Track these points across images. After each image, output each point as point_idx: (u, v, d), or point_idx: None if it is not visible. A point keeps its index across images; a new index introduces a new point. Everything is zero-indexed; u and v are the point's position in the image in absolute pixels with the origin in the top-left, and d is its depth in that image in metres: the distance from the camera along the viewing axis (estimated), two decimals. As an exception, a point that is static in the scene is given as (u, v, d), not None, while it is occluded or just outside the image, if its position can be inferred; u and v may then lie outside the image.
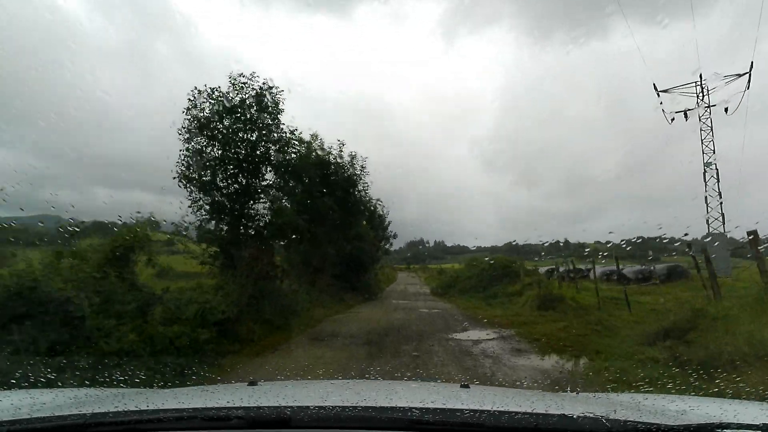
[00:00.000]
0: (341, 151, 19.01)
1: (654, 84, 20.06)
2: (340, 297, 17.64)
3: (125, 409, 1.59)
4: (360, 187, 19.93)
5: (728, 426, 1.46)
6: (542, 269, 21.46)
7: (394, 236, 33.13)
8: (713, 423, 1.49)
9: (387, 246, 34.44)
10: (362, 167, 19.43)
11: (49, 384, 3.72)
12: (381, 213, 32.27)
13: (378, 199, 29.85)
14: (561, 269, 19.91)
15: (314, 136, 18.08)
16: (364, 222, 25.61)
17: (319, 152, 17.97)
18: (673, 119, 19.85)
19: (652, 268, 20.72)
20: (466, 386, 2.15)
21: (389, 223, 34.23)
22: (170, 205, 10.77)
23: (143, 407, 1.64)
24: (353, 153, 19.17)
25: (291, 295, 12.15)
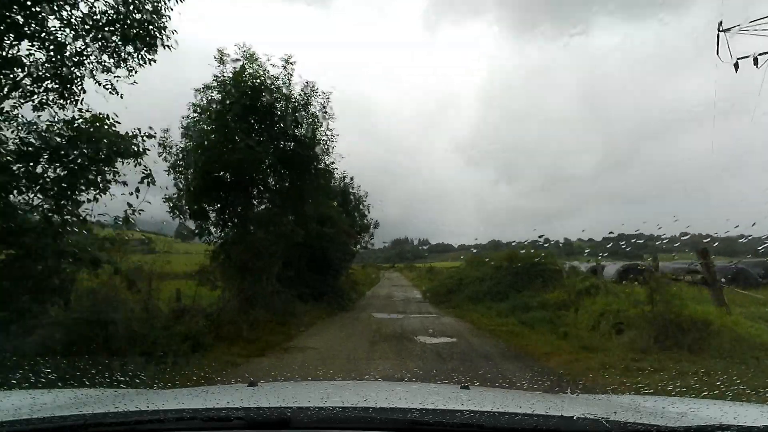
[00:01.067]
0: (288, 72, 11.95)
1: (719, 23, 13.19)
2: (291, 311, 12.19)
3: (125, 410, 1.52)
4: (321, 141, 12.73)
5: (728, 428, 1.39)
6: (582, 266, 15.73)
7: (376, 225, 24.01)
8: (713, 425, 1.44)
9: (367, 239, 25.49)
10: (324, 109, 12.52)
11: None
12: (357, 193, 22.37)
13: (351, 177, 24.07)
14: (609, 266, 15.97)
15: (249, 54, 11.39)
16: (334, 202, 19.40)
17: (250, 70, 11.27)
18: (736, 65, 13.13)
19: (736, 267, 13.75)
20: (466, 387, 2.09)
21: (368, 208, 24.57)
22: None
23: (143, 407, 1.61)
24: (311, 83, 12.28)
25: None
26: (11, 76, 5.91)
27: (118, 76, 6.76)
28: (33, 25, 5.87)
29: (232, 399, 1.62)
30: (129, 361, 5.74)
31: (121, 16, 6.43)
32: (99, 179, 6.23)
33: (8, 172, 5.51)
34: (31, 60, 5.97)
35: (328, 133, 12.47)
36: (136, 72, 6.87)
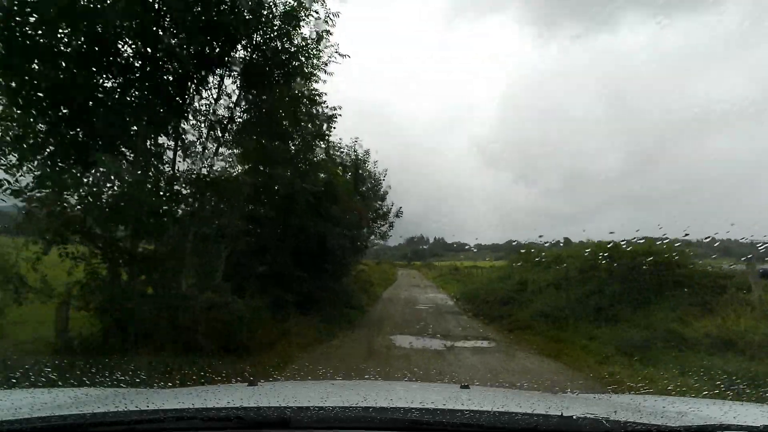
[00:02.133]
0: None
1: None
2: (249, 332, 7.81)
3: (125, 409, 1.52)
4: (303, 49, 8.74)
5: (728, 428, 1.38)
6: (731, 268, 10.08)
7: (399, 214, 16.93)
8: (713, 424, 1.42)
9: (385, 229, 18.48)
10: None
11: None
12: (374, 172, 20.13)
13: (367, 150, 17.81)
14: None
15: None
16: (339, 169, 14.49)
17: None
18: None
19: None
20: (466, 387, 2.06)
21: (386, 191, 22.04)
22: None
23: (143, 407, 1.60)
24: None
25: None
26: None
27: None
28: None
29: (232, 399, 1.65)
30: None
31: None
32: None
33: None
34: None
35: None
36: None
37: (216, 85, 8.30)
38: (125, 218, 6.54)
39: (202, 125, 8.36)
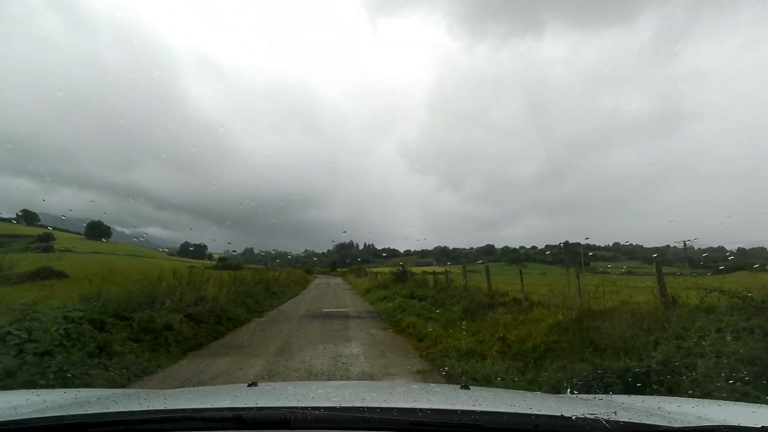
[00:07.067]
0: None
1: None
2: None
3: (125, 409, 1.50)
4: None
5: (728, 428, 1.38)
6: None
7: None
8: (713, 425, 1.42)
9: None
10: None
11: None
12: None
13: None
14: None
15: None
16: None
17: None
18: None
19: None
20: (466, 387, 2.06)
21: None
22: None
23: (144, 407, 1.57)
24: None
25: None
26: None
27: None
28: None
29: (232, 399, 1.64)
30: None
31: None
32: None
33: None
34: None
35: None
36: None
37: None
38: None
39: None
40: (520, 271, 14.14)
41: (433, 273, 21.35)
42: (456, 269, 24.88)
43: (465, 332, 9.24)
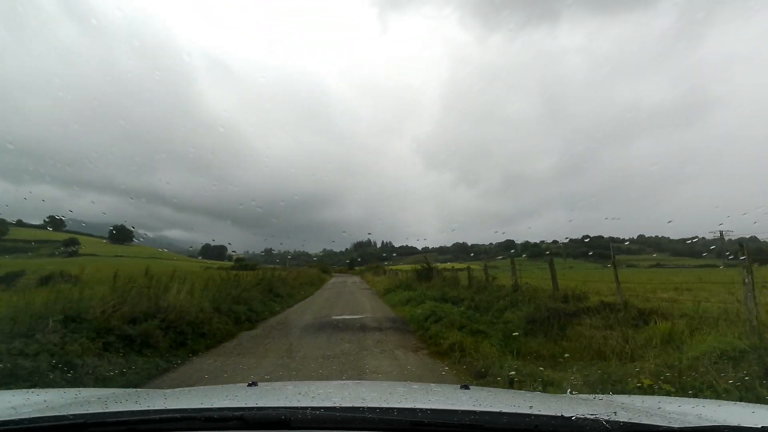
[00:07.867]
0: None
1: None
2: None
3: (125, 409, 1.51)
4: None
5: (728, 428, 1.38)
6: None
7: None
8: (713, 425, 1.42)
9: None
10: None
11: None
12: None
13: None
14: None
15: None
16: None
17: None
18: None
19: None
20: (466, 387, 2.05)
21: None
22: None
23: (144, 407, 1.59)
24: None
25: None
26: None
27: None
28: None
29: (232, 399, 1.64)
30: None
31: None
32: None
33: None
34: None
35: None
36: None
37: None
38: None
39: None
40: (613, 264, 10.94)
41: (468, 269, 19.09)
42: (475, 265, 24.13)
43: (559, 359, 6.15)
